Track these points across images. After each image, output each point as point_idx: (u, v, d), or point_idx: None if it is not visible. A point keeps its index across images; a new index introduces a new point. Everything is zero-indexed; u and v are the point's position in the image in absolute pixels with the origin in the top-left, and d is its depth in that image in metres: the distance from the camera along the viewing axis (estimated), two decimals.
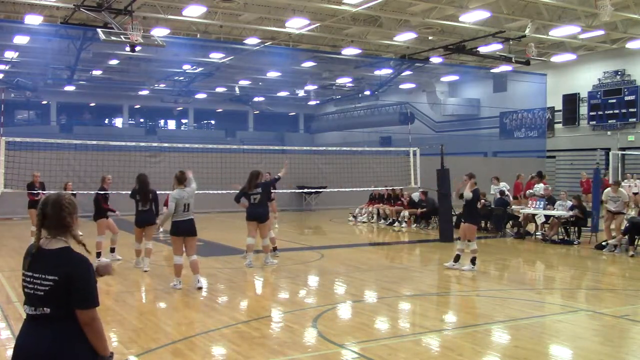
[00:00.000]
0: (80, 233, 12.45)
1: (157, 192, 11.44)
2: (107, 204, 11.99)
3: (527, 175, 20.15)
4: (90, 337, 3.17)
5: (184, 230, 9.27)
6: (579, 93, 30.43)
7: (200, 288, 9.27)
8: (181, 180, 9.44)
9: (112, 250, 12.17)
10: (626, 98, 28.08)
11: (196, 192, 9.62)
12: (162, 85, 39.23)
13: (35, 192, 13.58)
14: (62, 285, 3.09)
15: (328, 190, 22.66)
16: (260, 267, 11.72)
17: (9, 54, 30.42)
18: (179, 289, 9.27)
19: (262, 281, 10.74)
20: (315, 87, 39.89)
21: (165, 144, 24.00)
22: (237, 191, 12.00)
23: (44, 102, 42.35)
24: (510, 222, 16.94)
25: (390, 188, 19.65)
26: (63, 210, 3.21)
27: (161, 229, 12.13)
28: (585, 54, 29.79)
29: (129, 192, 11.72)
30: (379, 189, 20.33)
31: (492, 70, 32.65)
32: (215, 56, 30.29)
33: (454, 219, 15.94)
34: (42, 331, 3.13)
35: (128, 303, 8.53)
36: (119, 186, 15.91)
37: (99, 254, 11.73)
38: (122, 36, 18.72)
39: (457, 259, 11.26)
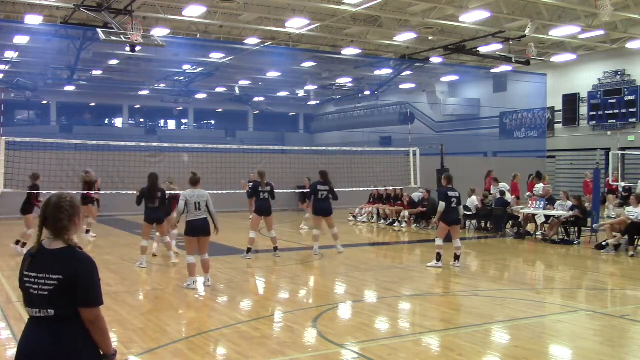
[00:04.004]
0: (94, 234, 12.26)
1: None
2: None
3: (526, 176, 20.14)
4: (94, 335, 3.18)
5: (198, 229, 9.36)
6: (579, 93, 30.42)
7: (208, 286, 9.47)
8: (193, 182, 9.60)
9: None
10: (626, 98, 28.07)
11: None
12: (162, 85, 39.21)
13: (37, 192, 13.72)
14: (66, 284, 3.09)
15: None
16: (260, 267, 11.73)
17: (9, 54, 30.41)
18: (193, 288, 9.27)
19: (262, 281, 10.75)
20: (315, 87, 39.88)
21: (165, 144, 24.00)
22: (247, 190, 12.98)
23: (44, 102, 42.34)
24: (510, 222, 16.95)
25: (392, 189, 19.62)
26: (62, 213, 3.22)
27: (176, 231, 12.37)
28: (585, 54, 29.79)
29: (129, 192, 11.80)
30: (379, 188, 20.32)
31: (492, 70, 32.65)
32: (215, 56, 30.29)
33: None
34: (46, 333, 3.12)
35: (128, 303, 8.53)
36: (119, 186, 15.95)
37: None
38: (122, 36, 18.71)
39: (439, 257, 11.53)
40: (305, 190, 17.16)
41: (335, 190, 13.42)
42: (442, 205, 11.37)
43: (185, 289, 9.31)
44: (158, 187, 11.55)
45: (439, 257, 11.43)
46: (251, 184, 14.82)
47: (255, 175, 13.61)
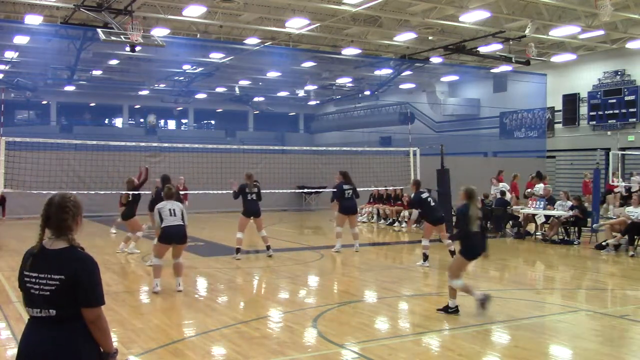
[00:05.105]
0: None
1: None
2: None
3: (526, 176, 20.13)
4: (95, 334, 3.18)
5: (173, 236, 9.13)
6: (579, 93, 30.40)
7: (180, 291, 9.13)
8: (169, 196, 9.45)
9: None
10: (626, 98, 28.05)
11: (196, 192, 9.65)
12: (162, 85, 39.20)
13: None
14: (68, 284, 3.08)
15: (328, 190, 22.61)
16: (259, 267, 11.73)
17: (9, 54, 30.39)
18: (158, 291, 8.97)
19: (262, 281, 10.74)
20: (315, 87, 39.86)
21: (165, 144, 24.01)
22: (234, 190, 12.66)
23: (44, 102, 42.33)
24: (510, 222, 16.94)
25: (392, 189, 19.61)
26: (66, 212, 3.20)
27: (139, 233, 12.72)
28: (585, 54, 29.78)
29: (129, 192, 11.77)
30: (379, 188, 20.32)
31: (492, 70, 32.63)
32: (215, 56, 30.27)
33: (454, 218, 15.91)
34: (46, 333, 3.11)
35: (128, 303, 8.53)
36: (119, 186, 15.91)
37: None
38: (122, 36, 18.71)
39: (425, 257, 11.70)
40: (306, 190, 17.18)
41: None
42: (415, 213, 11.92)
43: (154, 292, 9.03)
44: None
45: (425, 257, 11.62)
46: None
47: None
